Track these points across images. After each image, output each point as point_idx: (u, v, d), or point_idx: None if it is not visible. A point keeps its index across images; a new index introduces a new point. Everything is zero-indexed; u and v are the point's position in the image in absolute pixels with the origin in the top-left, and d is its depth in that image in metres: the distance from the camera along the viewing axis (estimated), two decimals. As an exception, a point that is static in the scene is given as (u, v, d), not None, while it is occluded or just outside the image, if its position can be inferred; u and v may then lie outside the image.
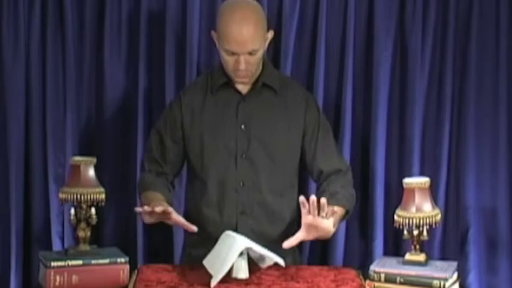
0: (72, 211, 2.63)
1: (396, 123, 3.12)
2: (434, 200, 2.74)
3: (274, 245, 2.52)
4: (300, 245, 2.89)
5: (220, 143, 2.65)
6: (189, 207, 2.79)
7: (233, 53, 2.54)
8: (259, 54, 2.58)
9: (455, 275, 2.62)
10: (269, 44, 2.73)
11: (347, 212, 2.65)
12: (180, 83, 3.07)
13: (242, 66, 2.55)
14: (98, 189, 2.65)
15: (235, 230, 2.63)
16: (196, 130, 2.67)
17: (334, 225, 2.48)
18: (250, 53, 2.54)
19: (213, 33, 2.65)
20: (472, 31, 3.06)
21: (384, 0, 3.06)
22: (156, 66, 3.11)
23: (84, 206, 2.62)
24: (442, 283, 2.51)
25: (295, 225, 2.65)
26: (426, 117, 3.11)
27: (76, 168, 2.66)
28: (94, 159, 2.70)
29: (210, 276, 2.39)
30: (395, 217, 2.65)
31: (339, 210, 2.58)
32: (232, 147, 2.65)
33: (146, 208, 2.40)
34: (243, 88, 2.68)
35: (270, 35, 2.66)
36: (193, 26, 3.06)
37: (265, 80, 2.68)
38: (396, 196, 2.93)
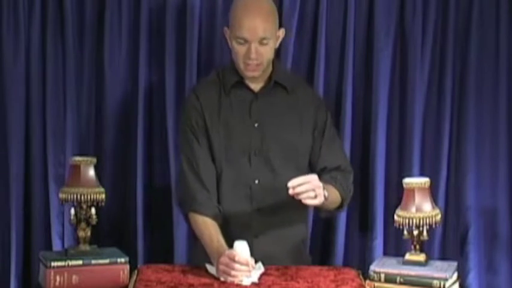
0: (72, 211, 2.63)
1: (396, 123, 3.12)
2: (434, 200, 2.75)
3: (286, 242, 2.64)
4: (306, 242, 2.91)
5: (234, 141, 2.65)
6: None
7: (245, 41, 2.57)
8: (270, 46, 2.60)
9: (455, 275, 2.62)
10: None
11: (341, 203, 2.66)
12: (180, 82, 3.07)
13: (253, 55, 2.57)
14: (98, 189, 2.65)
15: (249, 227, 2.62)
16: (214, 129, 2.66)
17: (325, 197, 2.47)
18: (261, 42, 2.57)
19: (225, 29, 2.66)
20: (472, 31, 3.06)
21: (383, 0, 3.06)
22: (156, 66, 3.11)
23: (84, 206, 2.63)
24: (442, 283, 2.52)
25: (307, 222, 2.76)
26: (426, 117, 3.11)
27: (76, 168, 2.66)
28: (94, 159, 2.70)
29: (210, 277, 2.40)
30: (395, 217, 2.66)
31: (333, 191, 2.58)
32: (246, 145, 2.65)
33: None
34: (256, 86, 2.69)
35: (282, 33, 2.68)
36: (193, 25, 3.06)
37: (277, 79, 2.69)
38: (396, 196, 2.93)
